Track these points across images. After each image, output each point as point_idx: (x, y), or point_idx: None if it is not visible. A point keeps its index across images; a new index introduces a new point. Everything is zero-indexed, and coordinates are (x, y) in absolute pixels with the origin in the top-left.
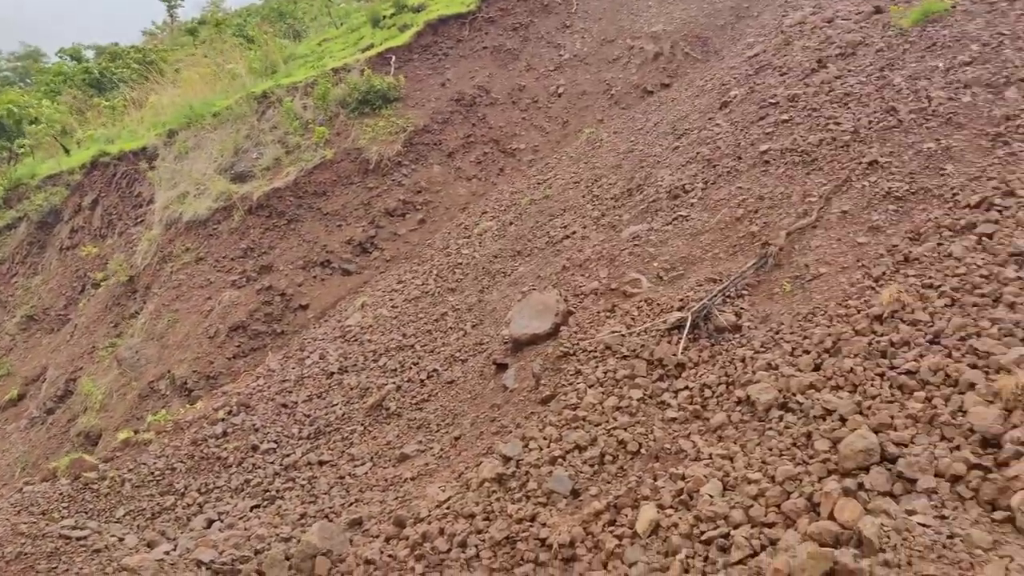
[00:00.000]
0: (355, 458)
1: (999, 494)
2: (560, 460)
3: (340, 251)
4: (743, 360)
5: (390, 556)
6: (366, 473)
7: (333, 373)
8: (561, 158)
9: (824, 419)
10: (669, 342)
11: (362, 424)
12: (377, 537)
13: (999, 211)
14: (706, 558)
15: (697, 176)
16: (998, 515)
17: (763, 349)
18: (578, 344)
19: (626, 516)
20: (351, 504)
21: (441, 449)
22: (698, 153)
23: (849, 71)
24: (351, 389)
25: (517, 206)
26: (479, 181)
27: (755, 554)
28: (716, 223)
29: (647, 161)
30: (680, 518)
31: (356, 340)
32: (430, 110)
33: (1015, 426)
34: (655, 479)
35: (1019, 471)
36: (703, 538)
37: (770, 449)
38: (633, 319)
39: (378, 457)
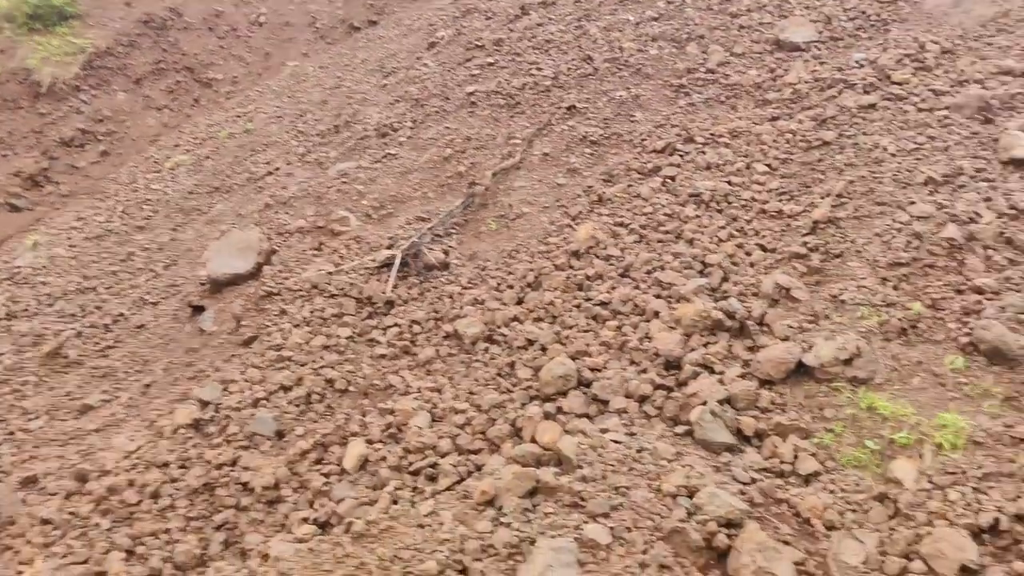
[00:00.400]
0: (28, 412)
1: (680, 410)
2: (264, 402)
3: (7, 185)
4: (451, 296)
5: (71, 513)
6: (42, 427)
7: (0, 319)
8: (263, 91)
9: (526, 349)
10: (378, 280)
11: (36, 375)
12: (55, 495)
13: (680, 156)
14: (415, 488)
15: (406, 115)
16: (679, 429)
17: (470, 285)
18: (283, 283)
19: (334, 454)
20: (24, 461)
21: (130, 398)
22: (406, 92)
23: (549, 19)
24: (22, 336)
25: (215, 140)
26: (171, 112)
27: (462, 480)
28: (425, 162)
29: (355, 98)
30: (389, 451)
31: (27, 283)
32: (114, 31)
33: (693, 349)
34: (364, 415)
35: (697, 389)
36: (412, 469)
37: (476, 380)
38: (341, 257)
39: (56, 410)
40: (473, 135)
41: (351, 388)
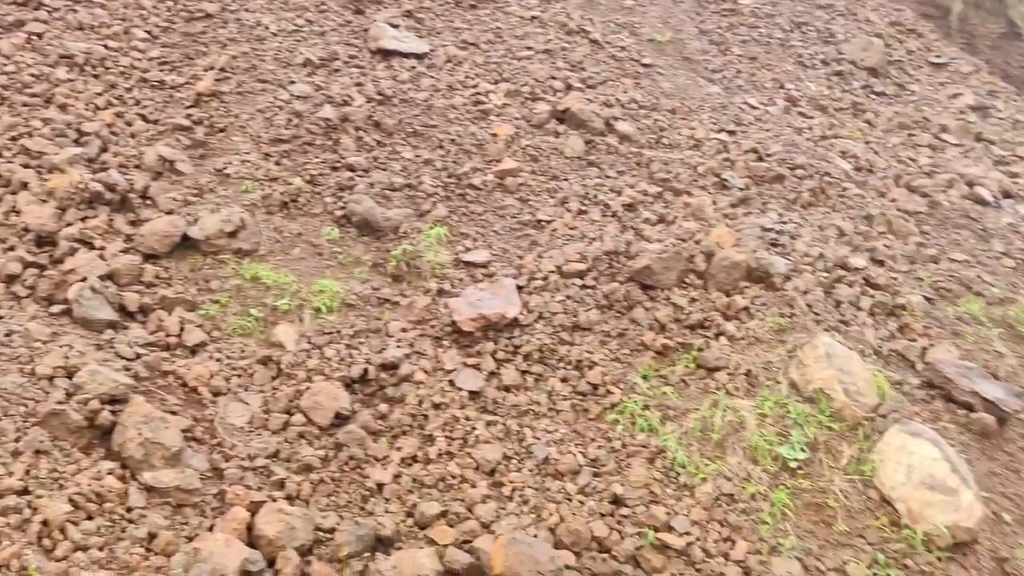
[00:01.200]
0: None
1: (56, 289)
2: None
3: None
4: None
5: None
6: None
7: None
8: None
9: None
10: None
11: None
12: None
13: (48, 11)
14: None
15: None
16: (55, 308)
17: None
18: None
19: None
20: None
21: None
22: None
23: None
24: None
25: None
26: None
27: None
28: None
29: None
30: None
31: None
32: None
33: (69, 224)
34: None
35: (74, 265)
36: None
37: None
38: None
39: None
40: None
41: None
